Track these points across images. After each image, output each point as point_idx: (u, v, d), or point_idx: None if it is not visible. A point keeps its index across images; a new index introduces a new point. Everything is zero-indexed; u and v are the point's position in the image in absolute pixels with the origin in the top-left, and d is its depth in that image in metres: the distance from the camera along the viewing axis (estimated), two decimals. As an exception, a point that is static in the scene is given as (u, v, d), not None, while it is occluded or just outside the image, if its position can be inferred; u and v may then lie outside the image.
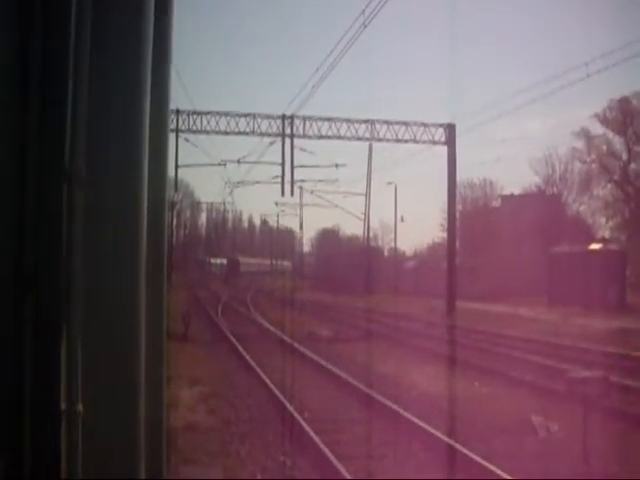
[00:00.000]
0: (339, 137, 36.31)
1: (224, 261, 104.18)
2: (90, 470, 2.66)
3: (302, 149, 37.58)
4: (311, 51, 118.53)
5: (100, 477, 2.69)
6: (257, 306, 39.65)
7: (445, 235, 46.94)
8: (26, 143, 2.77)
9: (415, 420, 10.07)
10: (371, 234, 66.46)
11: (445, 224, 48.80)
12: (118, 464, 2.81)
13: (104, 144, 2.90)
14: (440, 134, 36.95)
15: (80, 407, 2.72)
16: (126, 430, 2.91)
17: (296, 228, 77.99)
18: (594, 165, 59.27)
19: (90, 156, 2.83)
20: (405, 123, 36.76)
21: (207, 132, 35.74)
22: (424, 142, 37.03)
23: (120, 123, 2.98)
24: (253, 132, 35.89)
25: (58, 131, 2.79)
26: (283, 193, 37.92)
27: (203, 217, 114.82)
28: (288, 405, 11.36)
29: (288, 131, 36.01)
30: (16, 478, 2.52)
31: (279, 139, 36.25)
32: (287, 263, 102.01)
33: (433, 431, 9.42)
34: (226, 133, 35.73)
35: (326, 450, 8.56)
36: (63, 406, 2.71)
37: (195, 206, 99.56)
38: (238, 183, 47.13)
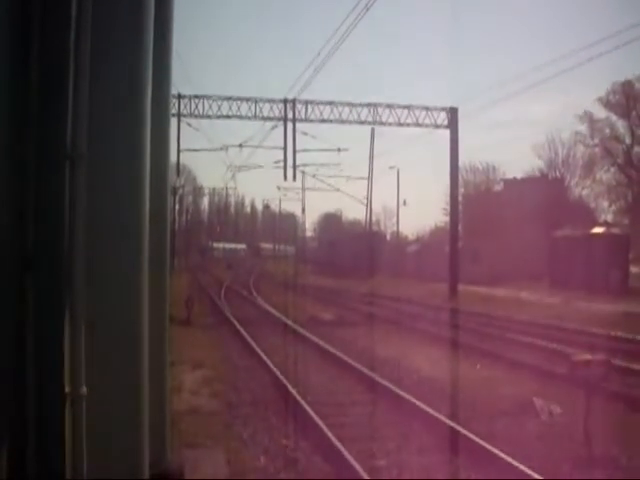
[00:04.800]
0: (341, 121, 36.22)
1: (227, 245, 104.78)
2: (94, 452, 2.69)
3: (304, 133, 37.52)
4: (313, 34, 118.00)
5: (104, 459, 2.71)
6: (259, 290, 39.73)
7: (447, 219, 46.88)
8: (27, 126, 2.76)
9: (418, 403, 10.11)
10: (373, 218, 66.58)
11: (448, 208, 48.75)
12: (122, 446, 2.83)
13: (106, 128, 2.90)
14: (443, 118, 36.87)
15: (84, 390, 2.74)
16: (130, 413, 2.93)
17: (298, 212, 77.98)
18: (597, 149, 59.18)
19: (92, 140, 2.83)
20: (407, 107, 36.66)
21: (209, 116, 35.67)
22: (426, 126, 36.97)
23: (122, 107, 2.98)
24: (255, 116, 35.79)
25: (59, 115, 2.79)
26: (285, 177, 37.89)
27: (205, 202, 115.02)
28: (291, 388, 11.41)
29: (290, 115, 35.90)
30: (21, 460, 2.55)
31: (281, 123, 36.16)
32: (290, 247, 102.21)
33: (435, 414, 9.46)
34: (228, 117, 35.65)
35: (328, 432, 8.61)
36: (67, 389, 2.73)
37: (197, 191, 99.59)
38: (240, 168, 47.12)
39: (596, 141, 59.06)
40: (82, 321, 2.60)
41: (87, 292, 2.64)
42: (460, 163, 40.90)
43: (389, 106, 36.60)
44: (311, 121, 36.37)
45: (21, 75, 2.65)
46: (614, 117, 57.50)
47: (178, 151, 37.67)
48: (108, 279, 2.76)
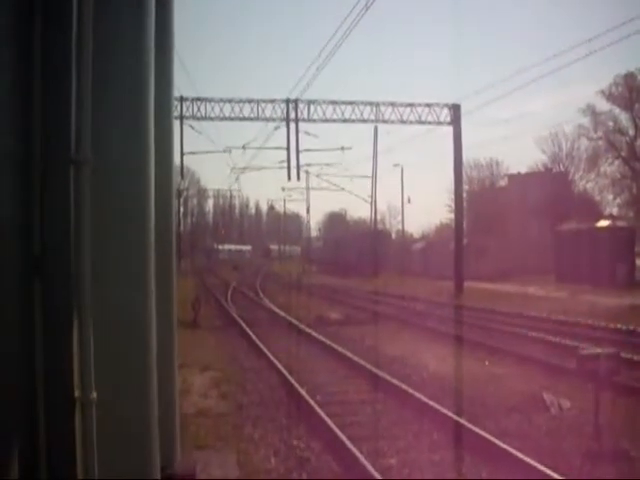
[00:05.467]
0: (344, 120, 36.19)
1: (232, 247, 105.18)
2: (105, 455, 2.69)
3: (307, 133, 37.51)
4: (314, 34, 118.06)
5: (115, 462, 2.72)
6: (266, 291, 39.73)
7: (452, 216, 46.85)
8: (31, 130, 2.77)
9: (427, 401, 10.10)
10: (378, 217, 66.52)
11: (452, 205, 48.72)
12: (132, 448, 2.84)
13: (109, 132, 2.90)
14: (445, 114, 36.82)
15: (94, 395, 2.75)
16: (140, 416, 2.94)
17: (303, 213, 78.13)
18: (601, 142, 58.95)
19: (96, 144, 2.84)
20: (410, 104, 36.63)
21: (211, 118, 35.68)
22: (429, 123, 36.91)
23: (125, 111, 2.99)
24: (258, 117, 35.78)
25: (63, 120, 2.79)
26: (289, 178, 37.86)
27: (210, 204, 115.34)
28: (299, 388, 11.41)
29: (293, 115, 35.89)
30: (32, 464, 2.55)
31: (284, 124, 36.14)
32: (295, 248, 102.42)
33: (446, 411, 9.45)
34: (230, 119, 35.66)
35: (338, 432, 8.61)
36: (77, 393, 2.74)
37: (202, 193, 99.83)
38: (244, 169, 47.16)
39: (599, 134, 58.91)
40: (90, 325, 2.61)
41: (94, 295, 2.64)
42: (464, 159, 40.87)
43: (391, 104, 36.59)
44: (314, 121, 36.40)
45: (25, 81, 2.65)
46: (617, 110, 57.36)
47: (181, 153, 37.70)
48: (115, 282, 2.76)
